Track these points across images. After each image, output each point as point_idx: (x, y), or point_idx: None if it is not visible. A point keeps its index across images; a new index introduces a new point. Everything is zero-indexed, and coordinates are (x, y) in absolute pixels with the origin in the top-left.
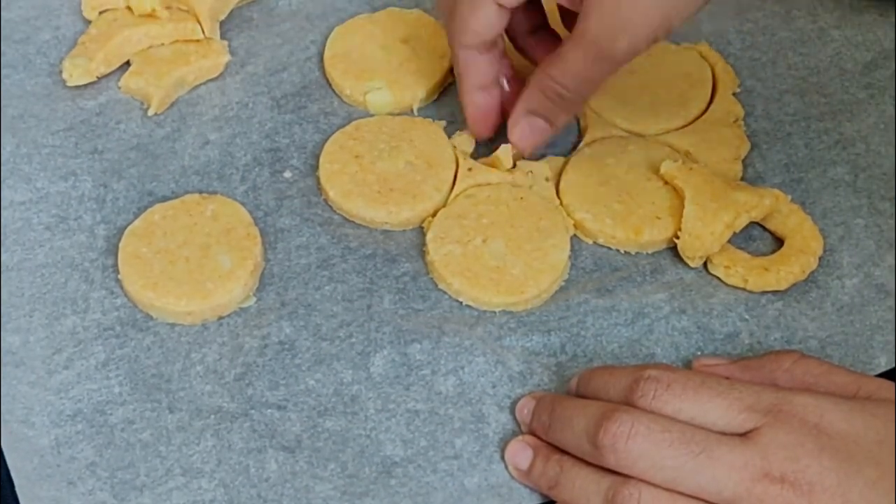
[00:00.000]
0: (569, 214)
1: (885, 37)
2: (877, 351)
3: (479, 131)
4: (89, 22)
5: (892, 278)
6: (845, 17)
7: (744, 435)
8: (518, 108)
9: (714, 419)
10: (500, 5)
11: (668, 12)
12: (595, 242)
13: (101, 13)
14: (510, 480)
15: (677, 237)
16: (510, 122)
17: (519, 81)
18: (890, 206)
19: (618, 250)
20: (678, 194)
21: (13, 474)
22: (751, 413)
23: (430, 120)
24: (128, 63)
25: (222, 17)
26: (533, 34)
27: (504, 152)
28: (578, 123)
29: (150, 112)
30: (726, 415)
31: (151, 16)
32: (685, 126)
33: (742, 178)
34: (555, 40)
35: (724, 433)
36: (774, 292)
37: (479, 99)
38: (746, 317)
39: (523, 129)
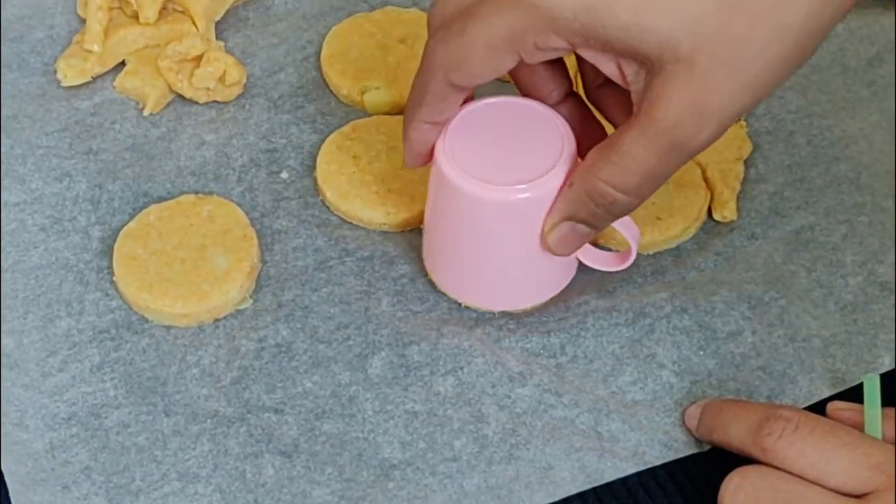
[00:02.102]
0: None
1: (892, 27)
2: (880, 350)
3: (415, 163)
4: (84, 20)
5: None
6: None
7: (861, 496)
8: (557, 212)
9: (835, 469)
10: (521, 60)
11: (758, 91)
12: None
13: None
14: (510, 482)
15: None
16: (546, 225)
17: None
18: (893, 203)
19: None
20: (678, 194)
21: (7, 478)
22: (875, 472)
23: None
24: (123, 63)
25: (218, 18)
26: (601, 88)
27: None
28: None
29: (146, 112)
30: (849, 468)
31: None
32: None
33: (744, 179)
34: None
35: (840, 491)
36: (777, 290)
37: (426, 133)
38: (749, 315)
39: (564, 236)
